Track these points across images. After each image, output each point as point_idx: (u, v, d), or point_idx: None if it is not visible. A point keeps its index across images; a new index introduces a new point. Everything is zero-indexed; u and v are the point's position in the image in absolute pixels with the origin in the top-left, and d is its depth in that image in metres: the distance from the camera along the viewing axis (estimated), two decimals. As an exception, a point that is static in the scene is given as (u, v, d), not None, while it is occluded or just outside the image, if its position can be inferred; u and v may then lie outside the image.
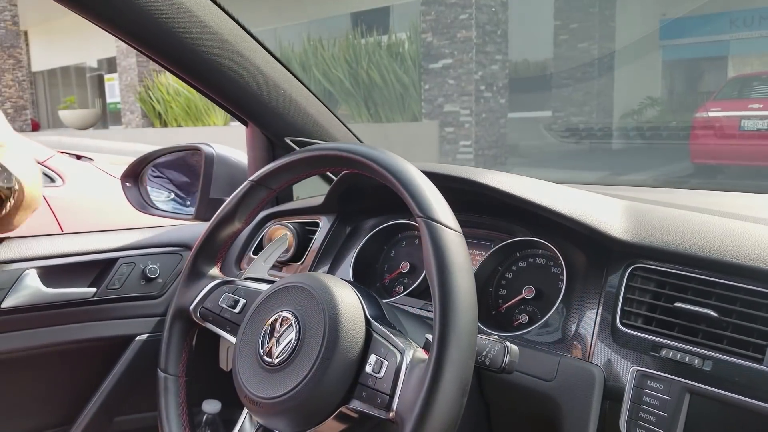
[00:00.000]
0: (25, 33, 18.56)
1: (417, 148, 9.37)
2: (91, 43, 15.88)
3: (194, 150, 1.31)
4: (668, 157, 8.91)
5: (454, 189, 0.85)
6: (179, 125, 12.67)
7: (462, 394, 0.60)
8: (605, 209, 0.87)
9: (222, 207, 0.87)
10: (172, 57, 1.02)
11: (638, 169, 8.41)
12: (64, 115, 16.46)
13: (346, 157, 0.75)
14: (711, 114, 8.12)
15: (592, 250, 0.85)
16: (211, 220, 0.88)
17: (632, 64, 11.49)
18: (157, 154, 1.37)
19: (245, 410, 0.78)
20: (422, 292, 1.02)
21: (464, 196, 0.92)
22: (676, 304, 0.74)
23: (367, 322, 0.70)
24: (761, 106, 7.55)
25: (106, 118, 17.84)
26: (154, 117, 13.44)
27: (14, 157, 0.96)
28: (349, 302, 0.70)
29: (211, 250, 0.88)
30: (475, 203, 0.97)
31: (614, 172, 8.46)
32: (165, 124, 13.15)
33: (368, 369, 0.66)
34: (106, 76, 17.60)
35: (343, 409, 0.67)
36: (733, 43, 10.95)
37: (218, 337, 0.88)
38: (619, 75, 11.21)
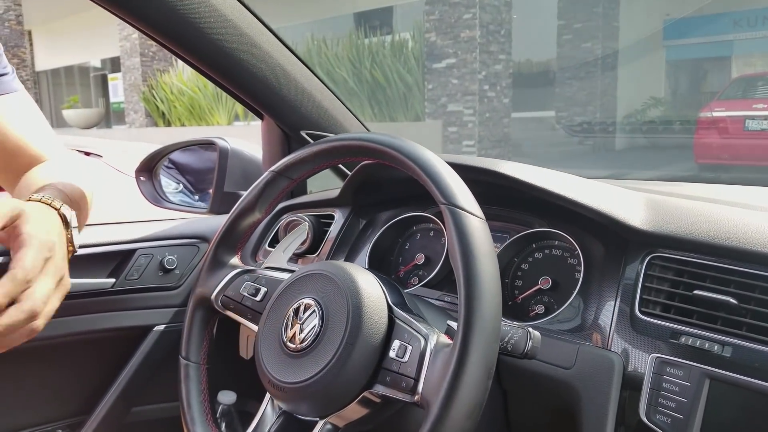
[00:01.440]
0: (29, 32, 18.61)
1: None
2: (94, 43, 15.93)
3: (208, 144, 1.32)
4: (672, 157, 8.91)
5: (471, 180, 0.86)
6: (183, 125, 12.69)
7: (487, 377, 0.61)
8: (623, 200, 0.88)
9: (243, 197, 0.88)
10: (191, 49, 1.03)
11: (642, 169, 8.42)
12: (68, 114, 16.51)
13: (369, 146, 0.76)
14: (715, 114, 8.12)
15: (610, 240, 0.86)
16: (233, 209, 0.88)
17: (636, 64, 11.49)
18: (171, 149, 1.38)
19: (267, 397, 0.79)
20: (438, 284, 1.02)
21: (480, 187, 0.92)
22: (695, 291, 0.75)
23: (390, 308, 0.71)
24: (766, 106, 7.56)
25: (110, 117, 17.89)
26: (158, 116, 13.47)
27: (64, 177, 0.95)
28: (371, 289, 0.71)
29: (232, 239, 0.89)
30: (491, 195, 0.98)
31: (618, 171, 8.47)
32: (169, 124, 13.18)
33: (392, 354, 0.67)
34: (110, 76, 17.63)
35: (366, 393, 0.68)
36: (736, 43, 10.95)
37: (237, 326, 0.89)
38: (623, 75, 11.22)
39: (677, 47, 11.63)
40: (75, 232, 0.80)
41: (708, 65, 11.94)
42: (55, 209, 0.78)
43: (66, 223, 0.78)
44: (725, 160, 7.73)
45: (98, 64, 18.97)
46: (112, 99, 17.57)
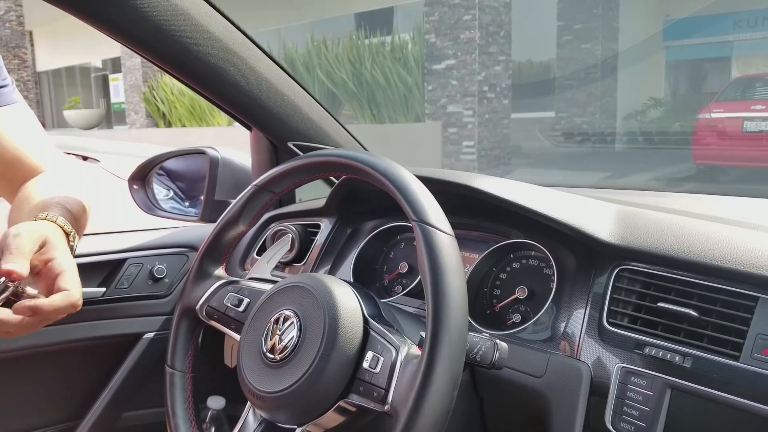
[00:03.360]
0: (30, 33, 18.63)
1: (420, 148, 9.39)
2: (95, 44, 15.93)
3: (200, 153, 1.35)
4: (671, 159, 8.91)
5: (450, 193, 0.89)
6: (183, 125, 12.72)
7: (453, 387, 0.63)
8: (594, 213, 0.90)
9: (227, 210, 0.90)
10: (179, 65, 1.05)
11: (641, 171, 8.42)
12: (69, 115, 16.54)
13: (346, 163, 0.78)
14: (714, 115, 8.13)
15: (581, 252, 0.89)
16: (217, 222, 0.91)
17: (636, 65, 11.49)
18: (163, 157, 1.41)
19: (248, 405, 0.81)
20: (419, 292, 1.05)
21: (460, 199, 0.95)
22: (660, 304, 0.78)
23: (365, 320, 0.73)
24: (764, 107, 7.56)
25: (111, 118, 17.91)
26: (159, 117, 13.49)
27: (65, 191, 0.96)
28: (347, 301, 0.74)
29: (216, 251, 0.92)
30: (470, 206, 1.00)
31: (616, 173, 8.47)
32: (169, 125, 13.20)
33: (365, 365, 0.69)
34: (111, 77, 17.65)
35: (341, 402, 0.70)
36: (736, 44, 10.94)
37: (223, 334, 0.92)
38: (623, 76, 11.22)
39: (677, 48, 11.62)
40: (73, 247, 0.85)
41: (708, 66, 11.93)
42: (66, 233, 0.82)
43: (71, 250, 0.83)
44: (723, 161, 7.74)
45: (99, 65, 18.99)
46: (113, 99, 17.59)
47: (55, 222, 0.81)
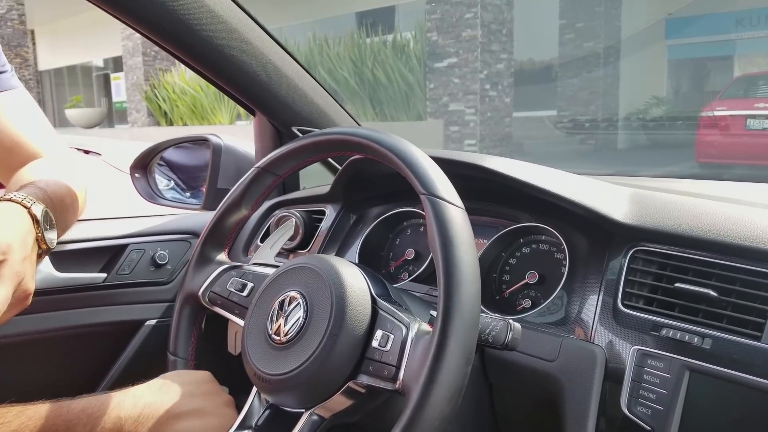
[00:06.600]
0: (32, 32, 18.65)
1: (422, 146, 9.36)
2: (97, 43, 15.97)
3: (202, 141, 1.33)
4: (673, 157, 8.91)
5: (459, 175, 0.87)
6: (185, 124, 12.72)
7: (466, 363, 0.61)
8: (607, 194, 0.88)
9: (229, 194, 0.88)
10: (182, 46, 1.04)
11: (643, 169, 8.41)
12: (71, 114, 16.57)
13: (351, 140, 0.77)
14: (716, 113, 8.12)
15: (594, 234, 0.86)
16: (219, 206, 0.89)
17: (638, 64, 11.48)
18: (165, 145, 1.39)
19: (254, 390, 0.79)
20: (426, 278, 1.03)
21: (469, 182, 0.93)
22: (677, 285, 0.76)
23: (373, 299, 0.71)
24: (767, 105, 7.55)
25: (112, 117, 17.94)
26: (160, 116, 13.50)
27: (53, 175, 0.93)
28: (355, 281, 0.72)
29: (218, 236, 0.90)
30: (479, 190, 0.98)
31: (619, 171, 8.46)
32: (171, 123, 13.21)
33: (375, 344, 0.68)
34: (112, 75, 17.67)
35: (350, 384, 0.68)
36: (739, 42, 10.94)
37: (226, 322, 0.90)
38: (625, 74, 11.21)
39: (679, 46, 11.61)
40: (49, 229, 0.79)
41: (710, 64, 11.92)
42: (25, 208, 0.77)
43: (37, 222, 0.77)
44: (726, 159, 7.73)
45: (101, 64, 19.02)
46: (114, 98, 17.60)
47: (19, 202, 0.76)
